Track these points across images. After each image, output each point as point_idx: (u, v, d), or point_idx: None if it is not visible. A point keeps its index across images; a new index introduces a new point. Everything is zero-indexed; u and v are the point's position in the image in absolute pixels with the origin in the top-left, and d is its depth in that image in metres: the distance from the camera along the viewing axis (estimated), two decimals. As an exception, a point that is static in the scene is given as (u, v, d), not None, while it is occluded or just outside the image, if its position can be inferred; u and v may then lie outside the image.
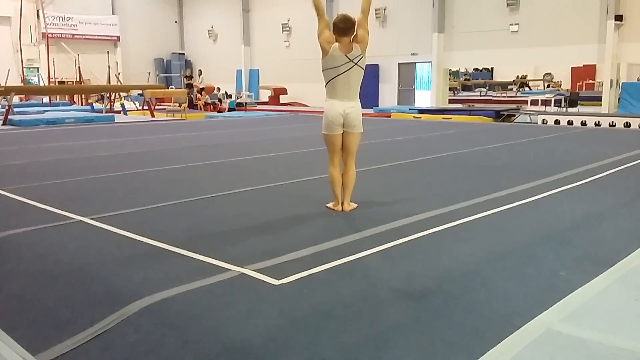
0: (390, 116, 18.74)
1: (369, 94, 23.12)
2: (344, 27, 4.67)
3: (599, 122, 14.82)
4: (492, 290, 3.15)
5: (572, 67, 27.29)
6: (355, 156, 5.03)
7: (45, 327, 2.76)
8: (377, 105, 22.44)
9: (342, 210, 4.97)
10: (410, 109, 19.20)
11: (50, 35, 26.69)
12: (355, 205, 5.09)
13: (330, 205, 5.08)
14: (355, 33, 4.73)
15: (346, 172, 4.96)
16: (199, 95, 22.64)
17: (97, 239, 4.25)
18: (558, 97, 19.02)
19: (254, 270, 3.42)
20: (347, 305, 2.93)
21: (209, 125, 15.37)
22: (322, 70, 4.79)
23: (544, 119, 15.89)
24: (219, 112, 21.55)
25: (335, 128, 4.80)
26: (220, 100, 23.41)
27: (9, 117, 15.83)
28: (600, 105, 17.96)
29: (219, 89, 24.16)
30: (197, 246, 3.94)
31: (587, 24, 17.41)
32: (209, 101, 22.71)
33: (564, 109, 18.05)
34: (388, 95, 23.21)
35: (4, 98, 16.95)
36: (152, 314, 2.83)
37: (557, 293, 3.07)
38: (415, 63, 22.50)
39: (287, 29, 26.12)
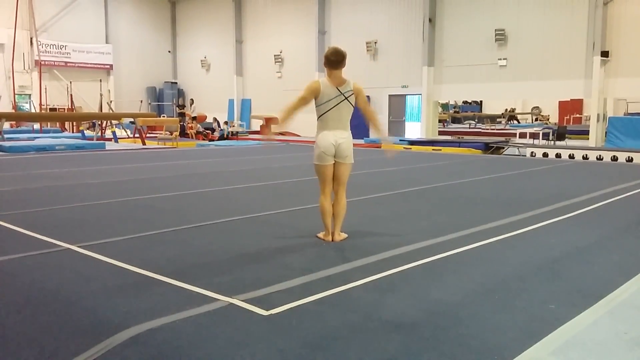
0: (380, 147, 18.86)
1: (359, 125, 23.05)
2: (335, 60, 4.75)
3: (586, 155, 15.00)
4: (481, 322, 3.14)
5: (559, 101, 27.78)
6: (346, 186, 5.07)
7: (29, 357, 2.71)
8: (368, 136, 22.59)
9: (332, 240, 4.97)
10: (400, 140, 19.37)
11: (43, 62, 26.82)
12: (346, 235, 5.09)
13: (320, 235, 5.09)
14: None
15: (337, 203, 4.99)
16: (190, 123, 22.72)
17: (84, 267, 4.20)
18: (546, 130, 19.29)
19: (242, 301, 3.40)
20: (337, 337, 2.91)
21: (200, 154, 15.39)
22: (316, 107, 4.85)
23: (532, 152, 16.06)
24: (210, 140, 21.60)
25: (326, 158, 4.84)
26: (212, 130, 23.46)
27: (0, 143, 15.79)
28: (588, 138, 18.24)
29: (215, 119, 24.28)
30: (185, 275, 3.91)
31: (574, 60, 17.78)
32: (201, 130, 22.78)
33: (552, 142, 18.28)
34: (379, 127, 23.40)
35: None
36: (138, 345, 2.79)
37: (547, 326, 3.07)
38: (405, 95, 22.79)
39: (279, 60, 26.43)
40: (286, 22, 26.31)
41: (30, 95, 26.95)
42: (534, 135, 18.99)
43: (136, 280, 3.86)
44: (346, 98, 4.79)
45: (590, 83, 17.47)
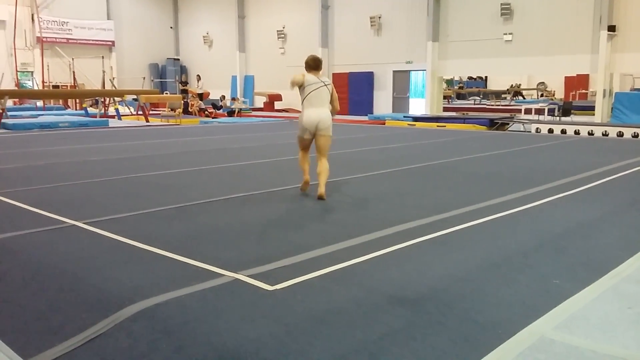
0: (384, 123, 18.79)
1: (363, 102, 23.19)
2: (313, 65, 6.06)
3: (592, 131, 14.91)
4: (485, 297, 3.15)
5: (565, 77, 27.47)
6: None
7: (37, 331, 2.74)
8: (372, 113, 22.50)
9: (319, 198, 5.77)
10: (404, 117, 19.26)
11: (44, 39, 26.65)
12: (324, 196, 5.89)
13: (300, 184, 6.21)
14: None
15: (321, 165, 6.03)
16: (192, 100, 22.61)
17: (90, 243, 4.23)
18: (551, 106, 19.14)
19: (247, 276, 3.42)
20: (341, 312, 2.93)
21: (203, 131, 15.36)
22: (301, 90, 5.98)
23: (537, 128, 15.97)
24: (213, 117, 21.53)
25: (306, 132, 6.07)
26: (219, 107, 23.33)
27: (3, 120, 15.78)
28: (594, 114, 18.09)
29: (223, 96, 24.19)
30: (190, 251, 3.93)
31: (581, 34, 17.56)
32: (202, 106, 22.69)
33: (558, 118, 18.16)
34: (383, 103, 23.30)
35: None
36: (145, 319, 2.82)
37: (551, 301, 3.08)
38: (409, 71, 22.60)
39: (282, 35, 26.18)
40: (289, -3, 26.00)
41: (32, 72, 26.85)
42: (539, 111, 18.86)
43: (142, 256, 3.88)
44: (325, 85, 6.03)
45: (596, 58, 17.27)
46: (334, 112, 6.28)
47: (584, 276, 3.51)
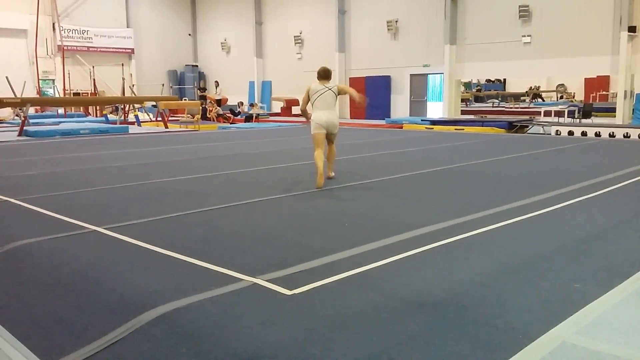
0: (402, 127, 18.75)
1: (380, 105, 23.16)
2: (323, 75, 7.09)
3: (613, 133, 14.71)
4: (506, 302, 3.12)
5: (585, 78, 27.17)
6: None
7: (58, 336, 2.78)
8: (389, 117, 22.46)
9: (328, 177, 7.13)
10: (422, 120, 19.19)
11: (65, 47, 27.08)
12: (334, 174, 7.34)
13: (316, 185, 6.73)
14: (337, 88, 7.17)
15: (330, 151, 7.29)
16: (211, 107, 22.76)
17: (111, 248, 4.28)
18: (571, 108, 18.93)
19: (266, 281, 3.43)
20: (360, 316, 2.92)
21: (221, 137, 15.46)
22: (310, 98, 7.01)
23: (557, 130, 15.80)
24: (231, 123, 21.65)
25: (321, 129, 6.99)
26: (236, 113, 23.48)
27: (25, 128, 16.05)
28: (614, 116, 17.86)
29: (241, 102, 24.36)
30: (209, 256, 3.95)
31: (601, 35, 17.36)
32: (221, 112, 22.85)
33: (578, 120, 17.94)
34: (400, 107, 23.25)
35: (20, 109, 17.17)
36: (165, 324, 2.84)
37: (572, 305, 3.04)
38: (427, 74, 22.53)
39: (300, 41, 26.29)
40: (306, 2, 26.11)
41: (54, 80, 27.28)
42: (559, 114, 18.67)
43: (161, 261, 3.91)
44: (330, 89, 6.97)
45: (617, 59, 17.06)
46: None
47: (606, 280, 3.45)
